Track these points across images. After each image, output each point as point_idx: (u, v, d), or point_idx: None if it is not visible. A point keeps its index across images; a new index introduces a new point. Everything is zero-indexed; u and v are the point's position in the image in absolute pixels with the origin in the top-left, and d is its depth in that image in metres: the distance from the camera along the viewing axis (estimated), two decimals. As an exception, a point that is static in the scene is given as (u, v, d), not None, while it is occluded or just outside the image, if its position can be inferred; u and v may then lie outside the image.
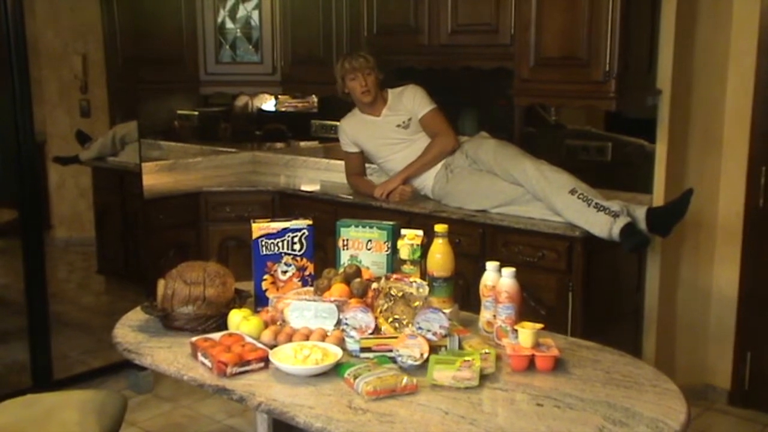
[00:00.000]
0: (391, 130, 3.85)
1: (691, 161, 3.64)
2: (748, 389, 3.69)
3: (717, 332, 3.75)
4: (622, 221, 3.12)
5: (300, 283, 2.50)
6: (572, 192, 3.24)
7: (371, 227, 2.51)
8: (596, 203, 3.19)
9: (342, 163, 4.24)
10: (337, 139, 4.29)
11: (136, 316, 2.48)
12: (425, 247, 2.40)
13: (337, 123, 4.16)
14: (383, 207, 3.77)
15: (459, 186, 3.63)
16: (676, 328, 3.75)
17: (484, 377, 1.97)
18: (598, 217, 3.16)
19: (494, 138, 3.69)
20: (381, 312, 2.19)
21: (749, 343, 3.66)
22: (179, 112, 5.40)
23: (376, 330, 2.15)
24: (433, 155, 3.75)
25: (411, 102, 3.83)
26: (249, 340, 2.16)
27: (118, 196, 4.10)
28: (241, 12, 4.69)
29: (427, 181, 3.80)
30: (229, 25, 4.69)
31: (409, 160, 3.81)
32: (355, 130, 3.97)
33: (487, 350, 2.08)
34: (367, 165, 4.15)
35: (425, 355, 2.02)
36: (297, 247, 2.50)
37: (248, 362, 2.04)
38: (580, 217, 3.21)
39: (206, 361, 2.08)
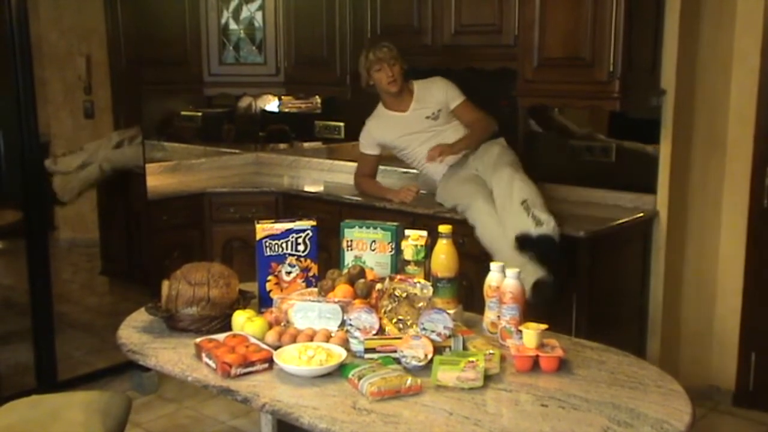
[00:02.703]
0: (420, 123, 3.77)
1: (695, 161, 3.63)
2: (753, 390, 3.68)
3: (721, 333, 3.74)
4: (536, 254, 3.09)
5: (304, 284, 2.50)
6: (522, 202, 3.23)
7: (375, 228, 2.51)
8: (534, 212, 3.17)
9: (345, 164, 4.24)
10: (340, 140, 4.30)
11: (141, 317, 2.48)
12: (429, 248, 2.40)
13: (340, 124, 4.16)
14: (387, 208, 3.77)
15: (447, 184, 3.65)
16: (681, 329, 3.74)
17: (488, 378, 1.97)
18: (521, 217, 3.16)
19: (503, 145, 3.66)
20: (385, 313, 2.19)
21: (753, 344, 3.65)
22: (183, 113, 5.41)
23: (380, 331, 2.15)
24: (480, 132, 3.69)
25: (443, 93, 3.77)
26: (253, 341, 2.17)
27: (122, 197, 4.10)
28: (245, 13, 4.69)
29: (436, 176, 3.78)
30: (233, 26, 4.69)
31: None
32: (382, 131, 3.89)
33: (491, 351, 2.08)
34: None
35: (429, 356, 2.02)
36: (301, 247, 2.50)
37: (252, 363, 2.04)
38: (509, 218, 3.21)
39: (210, 362, 2.08)
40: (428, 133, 3.77)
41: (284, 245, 2.49)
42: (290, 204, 4.28)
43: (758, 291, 3.61)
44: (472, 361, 1.99)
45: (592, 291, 3.26)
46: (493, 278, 2.27)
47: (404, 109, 3.82)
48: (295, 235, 2.49)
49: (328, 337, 2.17)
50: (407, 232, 2.46)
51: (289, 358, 2.04)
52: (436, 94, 3.79)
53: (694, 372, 3.72)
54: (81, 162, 3.74)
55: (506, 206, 3.28)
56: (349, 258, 2.52)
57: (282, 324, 2.28)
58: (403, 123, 3.82)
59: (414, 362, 2.02)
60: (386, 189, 3.92)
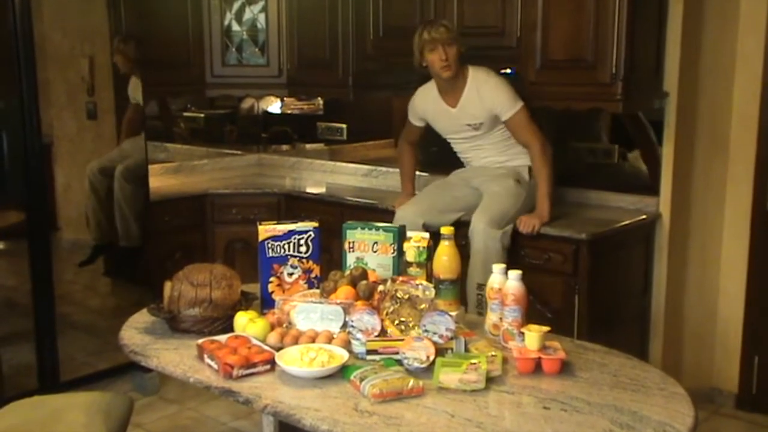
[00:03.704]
0: (460, 127, 3.58)
1: (698, 163, 3.63)
2: (756, 393, 3.67)
3: (724, 335, 3.74)
4: None
5: (306, 286, 2.51)
6: (478, 287, 2.80)
7: (377, 229, 2.51)
8: (479, 312, 2.86)
9: (347, 165, 4.21)
10: (343, 141, 4.27)
11: (143, 318, 2.48)
12: (431, 250, 2.40)
13: (343, 125, 4.13)
14: (389, 209, 3.77)
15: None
16: (683, 331, 3.73)
17: (490, 380, 1.97)
18: (471, 302, 2.87)
19: (516, 180, 3.50)
20: (387, 314, 2.19)
21: (756, 346, 3.65)
22: (185, 114, 5.41)
23: (383, 332, 2.15)
24: (548, 171, 3.41)
25: (493, 104, 3.44)
26: (255, 342, 2.17)
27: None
28: (248, 14, 4.69)
29: None
30: (236, 27, 4.70)
31: (474, 152, 3.63)
32: (425, 109, 3.68)
33: (493, 353, 2.08)
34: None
35: (431, 358, 2.02)
36: (303, 249, 2.50)
37: (254, 364, 2.04)
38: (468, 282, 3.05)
39: (212, 363, 2.08)
40: (467, 137, 3.61)
41: (286, 246, 2.49)
42: (292, 205, 4.29)
43: (761, 294, 3.60)
44: (474, 363, 1.99)
45: (594, 293, 3.25)
46: (495, 280, 2.27)
47: (453, 103, 3.53)
48: (297, 237, 2.49)
49: (330, 339, 2.17)
50: (409, 233, 2.46)
51: (291, 360, 2.04)
52: (485, 102, 3.44)
53: (697, 375, 3.72)
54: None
55: (472, 264, 3.20)
56: (351, 259, 2.52)
57: (284, 325, 2.28)
58: (447, 118, 3.60)
59: (416, 364, 2.02)
60: (405, 182, 3.85)
